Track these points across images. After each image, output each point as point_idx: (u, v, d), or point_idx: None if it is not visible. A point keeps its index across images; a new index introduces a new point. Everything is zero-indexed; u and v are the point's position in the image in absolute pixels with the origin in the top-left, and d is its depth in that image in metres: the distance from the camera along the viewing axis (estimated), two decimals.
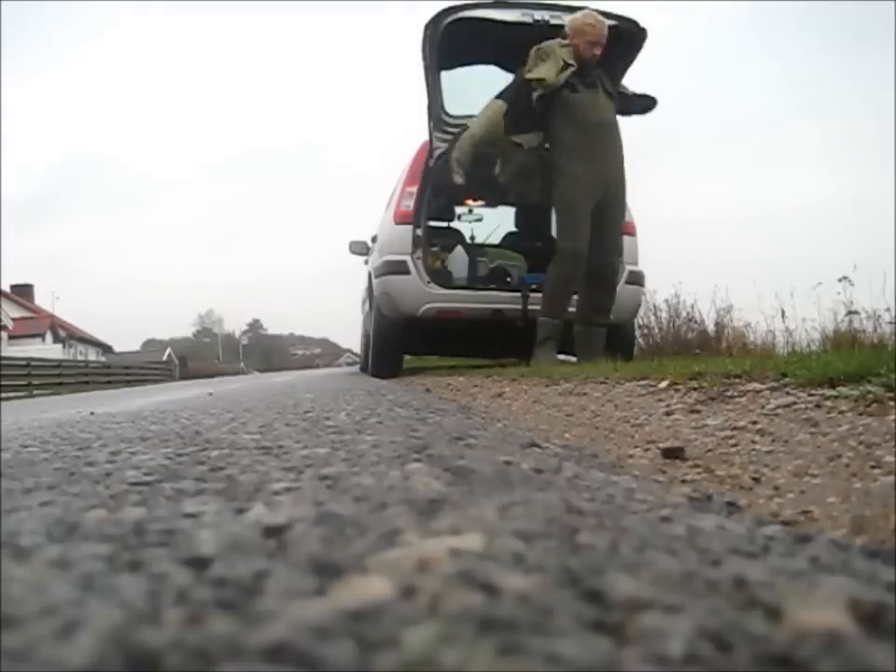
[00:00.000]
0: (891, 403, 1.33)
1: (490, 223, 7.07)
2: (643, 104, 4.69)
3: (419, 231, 5.27)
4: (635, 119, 4.74)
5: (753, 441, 1.38)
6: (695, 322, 7.06)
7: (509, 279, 5.67)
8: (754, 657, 0.38)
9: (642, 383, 2.32)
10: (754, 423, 1.50)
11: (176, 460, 1.19)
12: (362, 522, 0.65)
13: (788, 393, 1.66)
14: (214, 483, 0.94)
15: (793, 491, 1.07)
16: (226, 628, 0.41)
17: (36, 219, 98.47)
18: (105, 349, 40.60)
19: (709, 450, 1.42)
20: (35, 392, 13.73)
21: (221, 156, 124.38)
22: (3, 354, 19.98)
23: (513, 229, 7.03)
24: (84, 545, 0.60)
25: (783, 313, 5.54)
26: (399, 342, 5.65)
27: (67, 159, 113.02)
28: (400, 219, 5.27)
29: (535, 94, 4.42)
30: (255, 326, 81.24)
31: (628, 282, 5.33)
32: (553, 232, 7.06)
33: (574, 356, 6.48)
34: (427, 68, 5.08)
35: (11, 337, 27.73)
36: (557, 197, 4.54)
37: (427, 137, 5.43)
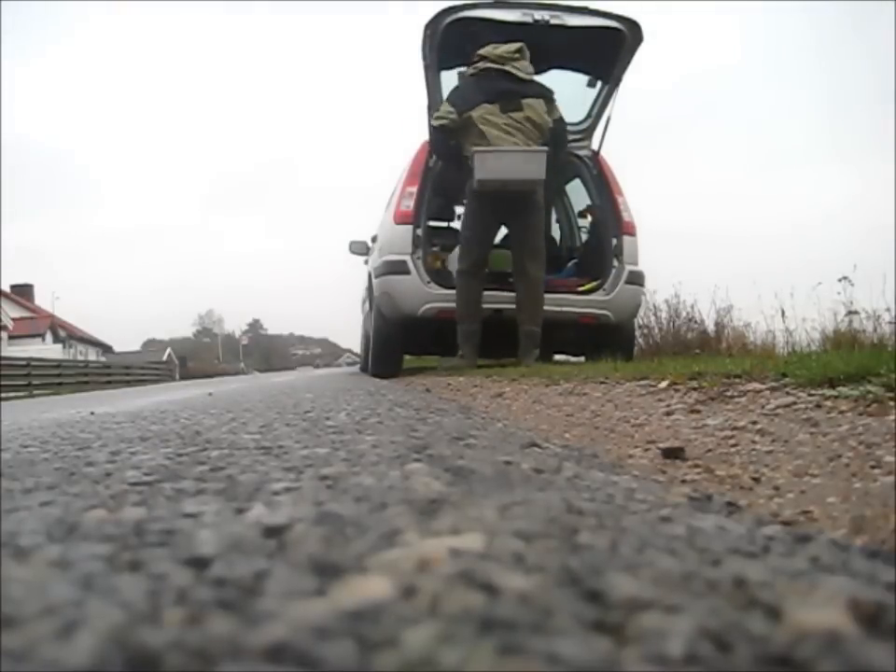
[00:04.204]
0: (891, 403, 1.33)
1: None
2: None
3: (419, 231, 5.27)
4: None
5: (753, 441, 1.38)
6: (695, 322, 7.06)
7: (510, 279, 5.67)
8: (754, 657, 0.38)
9: (642, 383, 2.32)
10: (754, 423, 1.50)
11: (176, 460, 1.19)
12: (362, 522, 0.65)
13: (788, 393, 1.66)
14: (214, 483, 0.93)
15: (793, 491, 1.07)
16: (226, 628, 0.41)
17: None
18: (105, 349, 40.62)
19: (709, 450, 1.42)
20: (35, 392, 13.73)
21: (224, 156, 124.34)
22: (3, 354, 19.98)
23: None
24: (84, 545, 0.60)
25: (783, 313, 5.55)
26: (399, 342, 5.65)
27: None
28: (400, 219, 5.27)
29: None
30: (255, 326, 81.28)
31: (628, 282, 5.33)
32: (553, 233, 7.11)
33: (573, 356, 6.51)
34: (427, 68, 5.08)
35: (11, 337, 27.73)
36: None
37: (426, 137, 5.43)
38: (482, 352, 5.29)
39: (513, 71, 4.79)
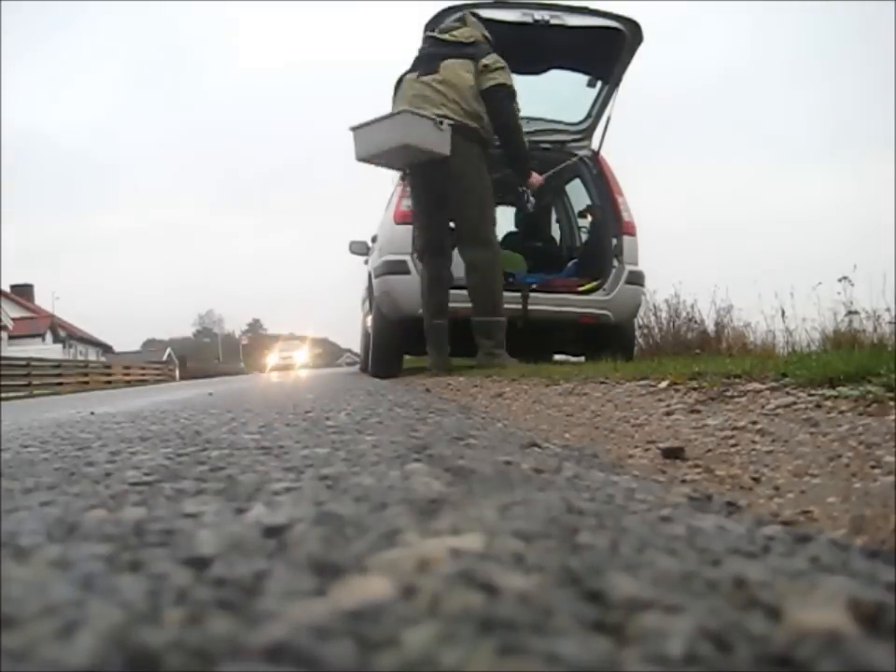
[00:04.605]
0: (891, 403, 1.33)
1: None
2: None
3: None
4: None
5: (753, 441, 1.38)
6: (695, 322, 7.07)
7: (509, 279, 5.66)
8: (754, 657, 0.38)
9: (642, 383, 2.32)
10: (754, 423, 1.50)
11: (176, 460, 1.19)
12: (362, 522, 0.65)
13: (788, 393, 1.66)
14: (214, 482, 0.93)
15: (793, 491, 1.07)
16: (226, 628, 0.41)
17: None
18: (105, 349, 40.64)
19: (709, 450, 1.42)
20: (35, 392, 13.74)
21: (225, 157, 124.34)
22: (3, 354, 19.99)
23: (513, 229, 7.04)
24: (84, 545, 0.60)
25: (783, 313, 5.56)
26: (399, 342, 5.65)
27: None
28: (400, 219, 5.27)
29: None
30: (255, 326, 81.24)
31: (628, 282, 5.33)
32: (553, 233, 7.10)
33: (573, 356, 6.51)
34: None
35: (11, 337, 27.74)
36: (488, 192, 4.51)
37: None
38: (470, 352, 5.25)
39: (442, 36, 4.54)
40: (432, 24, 4.83)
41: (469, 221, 4.48)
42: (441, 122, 4.25)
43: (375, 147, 4.34)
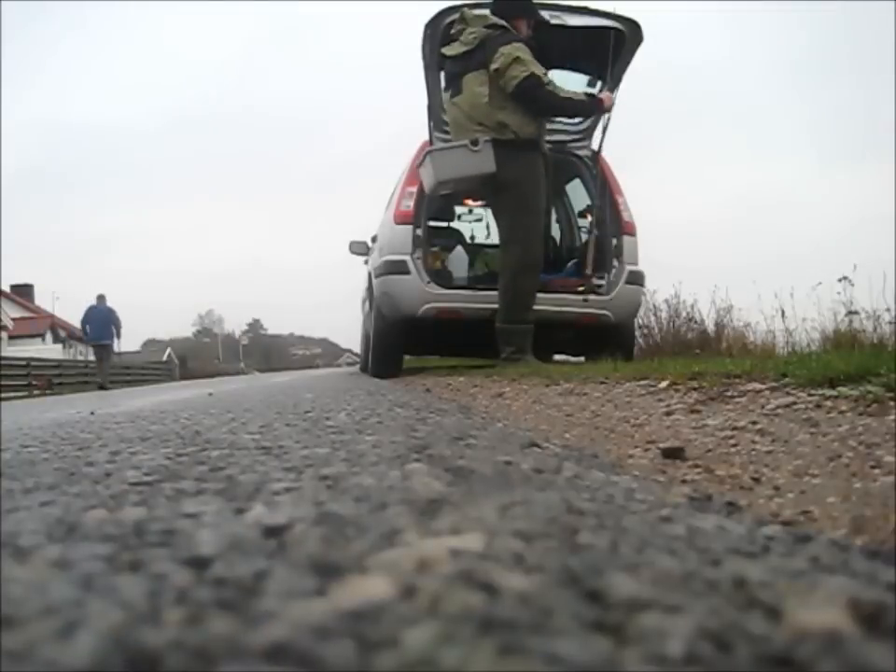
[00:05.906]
0: (891, 403, 1.33)
1: (490, 223, 7.06)
2: None
3: (419, 231, 5.26)
4: None
5: (753, 441, 1.38)
6: (695, 322, 7.07)
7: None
8: (754, 657, 0.38)
9: (642, 383, 2.32)
10: (754, 423, 1.50)
11: (176, 460, 1.19)
12: (362, 522, 0.65)
13: (788, 393, 1.66)
14: (214, 483, 0.94)
15: (793, 491, 1.07)
16: (226, 628, 0.41)
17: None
18: None
19: (709, 450, 1.41)
20: (36, 392, 13.75)
21: (224, 156, 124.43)
22: (3, 354, 19.99)
23: None
24: (84, 545, 0.60)
25: (783, 313, 5.55)
26: (399, 342, 5.65)
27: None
28: (400, 219, 5.26)
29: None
30: (255, 326, 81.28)
31: (628, 282, 5.33)
32: (553, 233, 7.10)
33: (573, 356, 6.50)
34: (426, 68, 5.07)
35: (11, 337, 27.73)
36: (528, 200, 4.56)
37: (426, 137, 5.43)
38: (479, 353, 5.22)
39: (451, 52, 4.61)
40: (432, 24, 4.83)
41: (504, 231, 4.69)
42: (476, 142, 4.41)
43: (428, 187, 4.82)
